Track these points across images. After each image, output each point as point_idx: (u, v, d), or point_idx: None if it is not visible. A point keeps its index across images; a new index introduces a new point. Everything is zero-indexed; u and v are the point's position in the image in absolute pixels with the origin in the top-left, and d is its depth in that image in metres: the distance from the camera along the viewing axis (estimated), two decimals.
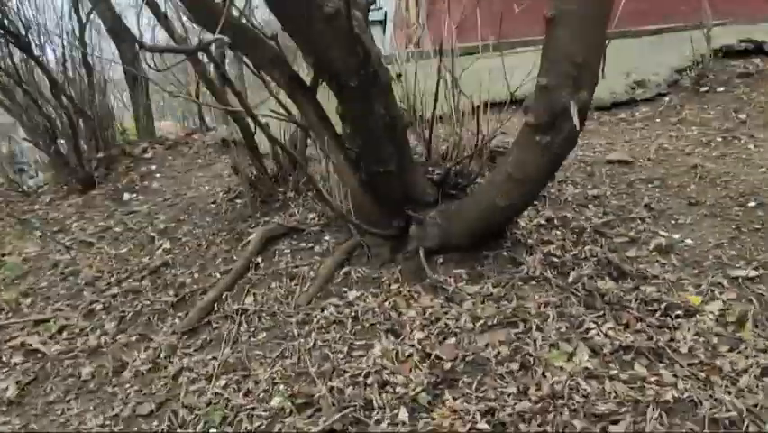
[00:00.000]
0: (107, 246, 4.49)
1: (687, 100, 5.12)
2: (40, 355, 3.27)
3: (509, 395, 2.46)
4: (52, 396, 2.95)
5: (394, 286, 3.35)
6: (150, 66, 2.51)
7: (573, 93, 2.49)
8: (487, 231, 3.42)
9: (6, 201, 6.77)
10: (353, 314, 3.13)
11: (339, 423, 2.41)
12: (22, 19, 5.57)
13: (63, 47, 5.97)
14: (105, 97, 6.43)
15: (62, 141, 6.51)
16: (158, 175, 5.97)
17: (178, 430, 2.55)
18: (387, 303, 3.19)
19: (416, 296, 3.22)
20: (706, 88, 5.16)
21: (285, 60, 3.06)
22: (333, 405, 2.51)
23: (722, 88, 5.10)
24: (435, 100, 3.42)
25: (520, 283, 3.15)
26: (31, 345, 3.36)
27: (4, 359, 3.27)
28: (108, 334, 3.37)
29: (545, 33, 2.47)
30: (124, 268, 4.08)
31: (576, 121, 2.44)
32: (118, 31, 7.39)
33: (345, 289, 3.39)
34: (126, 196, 5.55)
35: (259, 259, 3.68)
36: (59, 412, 2.81)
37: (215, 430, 2.51)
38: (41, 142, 6.11)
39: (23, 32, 5.52)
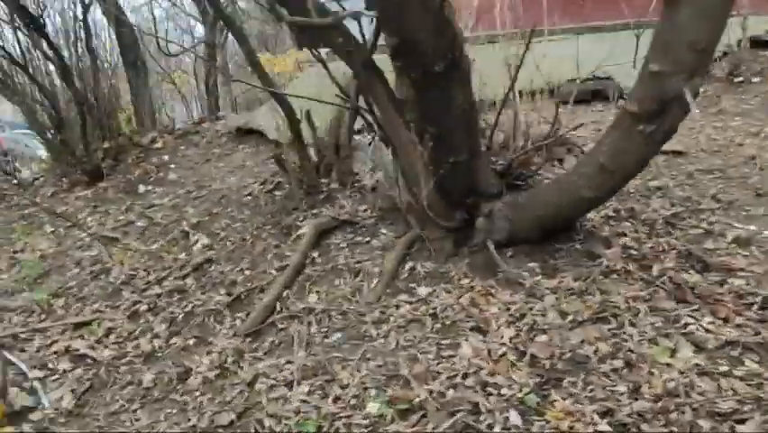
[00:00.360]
0: (135, 242, 4.23)
1: (722, 90, 5.10)
2: (90, 361, 3.03)
3: (622, 394, 2.35)
4: (114, 405, 2.71)
5: (465, 281, 3.21)
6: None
7: (687, 79, 2.37)
8: (558, 224, 3.31)
9: (1, 195, 6.36)
10: (431, 311, 2.98)
11: (451, 429, 2.27)
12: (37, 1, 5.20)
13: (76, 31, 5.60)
14: (112, 84, 6.08)
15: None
16: (172, 166, 5.68)
17: None
18: (463, 299, 3.05)
19: (492, 291, 3.09)
20: (740, 79, 5.15)
21: (358, 43, 2.87)
22: (438, 409, 2.37)
23: (757, 79, 5.10)
24: (512, 86, 3.28)
25: (601, 277, 3.04)
26: (77, 349, 3.10)
27: (51, 366, 3.01)
28: (160, 337, 3.14)
29: (661, 16, 2.35)
30: (161, 265, 3.83)
31: (693, 108, 2.33)
32: (117, 16, 7.00)
33: (413, 284, 3.23)
34: (141, 188, 5.25)
35: (315, 254, 3.50)
36: (127, 423, 2.59)
37: None
38: (45, 132, 5.72)
39: (39, 14, 5.16)
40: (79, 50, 5.68)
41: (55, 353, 3.12)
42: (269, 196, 4.26)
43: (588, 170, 2.86)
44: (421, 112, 3.02)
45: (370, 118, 3.06)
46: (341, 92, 3.10)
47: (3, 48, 5.47)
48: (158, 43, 7.98)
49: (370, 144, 4.14)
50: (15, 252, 4.69)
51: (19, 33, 5.35)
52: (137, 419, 2.62)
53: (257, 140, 5.84)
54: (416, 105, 3.09)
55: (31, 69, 5.44)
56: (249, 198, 4.35)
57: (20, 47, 5.39)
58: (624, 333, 2.68)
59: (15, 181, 6.52)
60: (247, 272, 3.48)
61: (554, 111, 3.48)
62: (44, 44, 5.43)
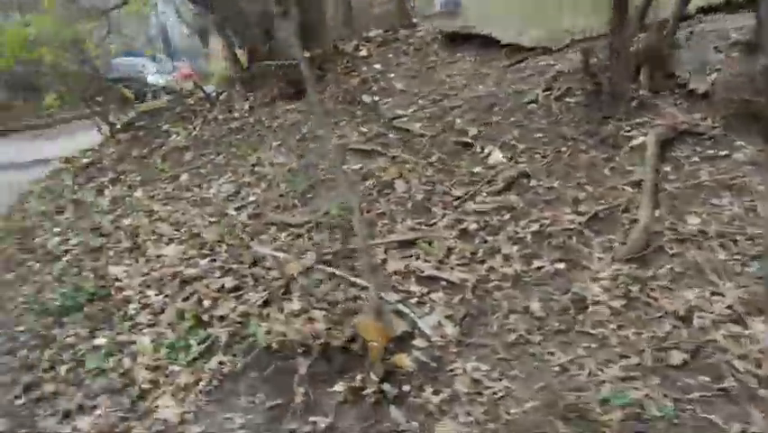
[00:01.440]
0: (404, 154, 3.81)
1: None
2: (446, 284, 2.68)
3: None
4: (509, 336, 2.37)
5: None
6: None
7: None
8: None
9: (195, 112, 6.12)
10: None
11: None
12: None
13: None
14: None
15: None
16: (391, 75, 5.21)
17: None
18: None
19: None
20: None
21: None
22: None
23: None
24: None
25: None
26: (422, 270, 2.77)
27: (400, 287, 2.69)
28: (514, 259, 2.75)
29: None
30: (457, 180, 3.42)
31: None
32: None
33: None
34: (366, 98, 4.82)
35: (666, 168, 2.98)
36: (541, 357, 2.24)
37: None
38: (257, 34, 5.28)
39: None
40: None
41: (395, 273, 2.80)
42: (562, 103, 3.73)
43: None
44: None
45: None
46: None
47: None
48: None
49: (688, 40, 3.49)
50: (254, 165, 4.42)
51: None
52: (549, 352, 2.26)
53: (478, 46, 5.25)
54: None
55: None
56: (533, 105, 3.83)
57: None
58: None
59: (202, 96, 6.26)
60: (588, 188, 3.01)
61: None
62: None
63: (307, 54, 5.54)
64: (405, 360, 2.30)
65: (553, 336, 2.34)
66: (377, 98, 4.78)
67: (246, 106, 5.75)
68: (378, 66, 5.41)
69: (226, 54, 6.19)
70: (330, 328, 2.49)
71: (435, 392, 2.18)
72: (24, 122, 13.69)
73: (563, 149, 3.32)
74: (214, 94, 6.45)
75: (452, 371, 2.27)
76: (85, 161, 6.46)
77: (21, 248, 4.53)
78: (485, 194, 3.21)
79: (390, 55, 5.68)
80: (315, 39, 5.64)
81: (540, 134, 3.53)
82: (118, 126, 6.82)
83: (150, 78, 16.98)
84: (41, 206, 5.33)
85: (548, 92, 3.84)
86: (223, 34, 6.00)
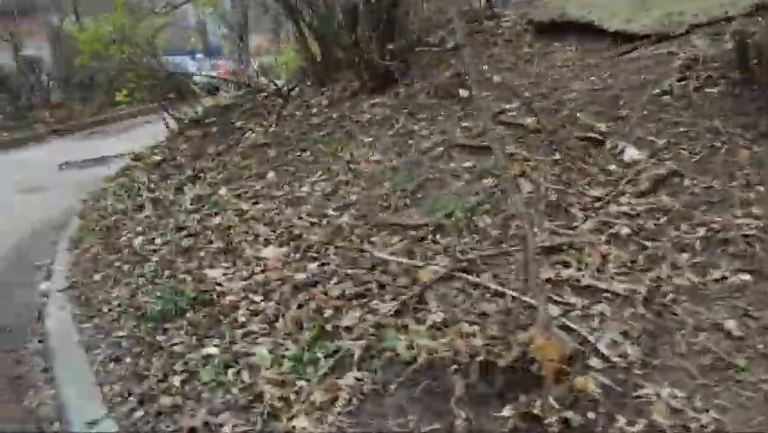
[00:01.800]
0: (521, 151, 3.51)
1: None
2: (610, 296, 2.38)
3: None
4: (705, 358, 2.04)
5: None
6: None
7: None
8: None
9: (267, 107, 5.94)
10: None
11: None
12: None
13: None
14: None
15: None
16: (484, 67, 4.92)
17: None
18: None
19: None
20: None
21: None
22: None
23: None
24: None
25: None
26: (578, 280, 2.47)
27: (558, 298, 2.39)
28: (684, 268, 2.43)
29: None
30: (588, 178, 3.11)
31: None
32: None
33: None
34: (461, 92, 4.54)
35: None
36: (751, 385, 1.92)
37: None
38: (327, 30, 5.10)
39: None
40: None
41: (547, 282, 2.50)
42: (702, 94, 3.39)
43: None
44: None
45: None
46: None
47: None
48: None
49: None
50: (349, 162, 4.18)
51: None
52: (761, 379, 1.94)
53: (577, 35, 4.92)
54: None
55: None
56: (666, 97, 3.49)
57: None
58: None
59: (273, 91, 6.08)
60: (760, 189, 2.67)
61: None
62: None
63: (390, 46, 5.31)
64: (589, 383, 2.01)
65: (760, 361, 2.02)
66: (474, 92, 4.48)
67: (324, 101, 5.52)
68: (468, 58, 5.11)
69: (298, 46, 5.99)
70: (488, 345, 2.22)
71: (630, 423, 1.88)
72: (78, 121, 13.87)
73: (717, 144, 2.98)
74: (285, 89, 6.26)
75: (642, 397, 1.97)
76: (155, 157, 6.35)
77: (105, 248, 4.40)
78: (628, 194, 2.89)
79: (480, 47, 5.39)
80: (398, 31, 5.37)
81: (682, 129, 3.18)
82: (185, 122, 6.69)
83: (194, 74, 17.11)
84: (118, 203, 5.21)
85: (683, 82, 3.49)
86: (297, 24, 5.78)
